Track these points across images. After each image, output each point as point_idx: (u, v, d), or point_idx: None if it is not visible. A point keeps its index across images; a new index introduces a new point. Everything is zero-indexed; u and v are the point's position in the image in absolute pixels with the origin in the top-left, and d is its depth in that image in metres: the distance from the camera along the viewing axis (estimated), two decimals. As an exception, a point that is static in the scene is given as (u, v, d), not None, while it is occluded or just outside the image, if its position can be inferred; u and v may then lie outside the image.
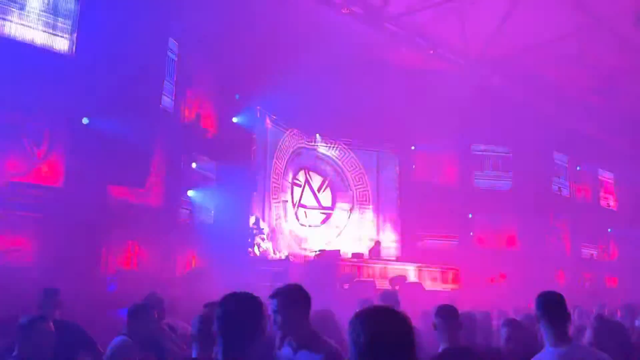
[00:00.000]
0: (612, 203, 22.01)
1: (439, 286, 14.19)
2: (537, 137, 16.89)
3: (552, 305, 3.01)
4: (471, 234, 17.68)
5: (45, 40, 8.86)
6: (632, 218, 20.02)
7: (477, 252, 16.88)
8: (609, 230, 21.08)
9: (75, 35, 9.11)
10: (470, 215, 17.68)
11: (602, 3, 11.74)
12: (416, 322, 5.47)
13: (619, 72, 14.70)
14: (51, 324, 3.41)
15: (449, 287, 14.31)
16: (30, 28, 8.69)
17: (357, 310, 1.82)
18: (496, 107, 15.08)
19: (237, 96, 13.25)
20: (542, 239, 18.00)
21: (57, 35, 9.00)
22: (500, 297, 11.91)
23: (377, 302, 5.08)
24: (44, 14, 8.86)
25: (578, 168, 20.68)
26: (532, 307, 3.56)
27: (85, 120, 8.87)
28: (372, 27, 12.28)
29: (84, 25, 9.11)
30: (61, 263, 8.04)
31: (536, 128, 16.23)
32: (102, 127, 8.78)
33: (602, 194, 21.75)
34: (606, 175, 22.06)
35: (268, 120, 14.87)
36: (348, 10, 11.47)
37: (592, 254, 20.40)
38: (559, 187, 19.64)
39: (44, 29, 8.85)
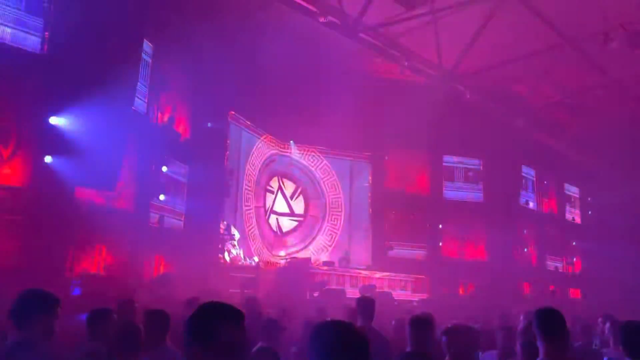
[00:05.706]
0: (576, 217, 22.60)
1: (408, 295, 14.33)
2: (506, 151, 17.27)
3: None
4: (440, 244, 17.89)
5: (16, 38, 8.66)
6: (596, 232, 20.60)
7: (445, 263, 17.09)
8: (573, 243, 21.64)
9: (47, 33, 8.92)
10: (440, 226, 17.89)
11: (572, 23, 12.12)
12: (387, 332, 5.53)
13: (586, 90, 15.17)
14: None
15: (417, 296, 14.45)
16: (1, 25, 8.48)
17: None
18: (468, 120, 15.37)
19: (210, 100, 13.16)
20: (509, 251, 18.35)
21: (29, 33, 8.81)
22: (466, 306, 12.09)
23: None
24: (16, 11, 8.66)
25: (545, 182, 21.19)
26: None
27: (53, 120, 8.67)
28: (348, 37, 12.39)
29: (57, 23, 8.93)
30: (24, 265, 7.82)
31: (506, 142, 16.59)
32: (72, 128, 8.61)
33: (567, 208, 22.32)
34: (572, 190, 22.66)
35: (242, 126, 14.80)
36: (325, 19, 11.53)
37: (556, 266, 20.89)
38: (526, 200, 20.09)
39: (15, 26, 8.65)
